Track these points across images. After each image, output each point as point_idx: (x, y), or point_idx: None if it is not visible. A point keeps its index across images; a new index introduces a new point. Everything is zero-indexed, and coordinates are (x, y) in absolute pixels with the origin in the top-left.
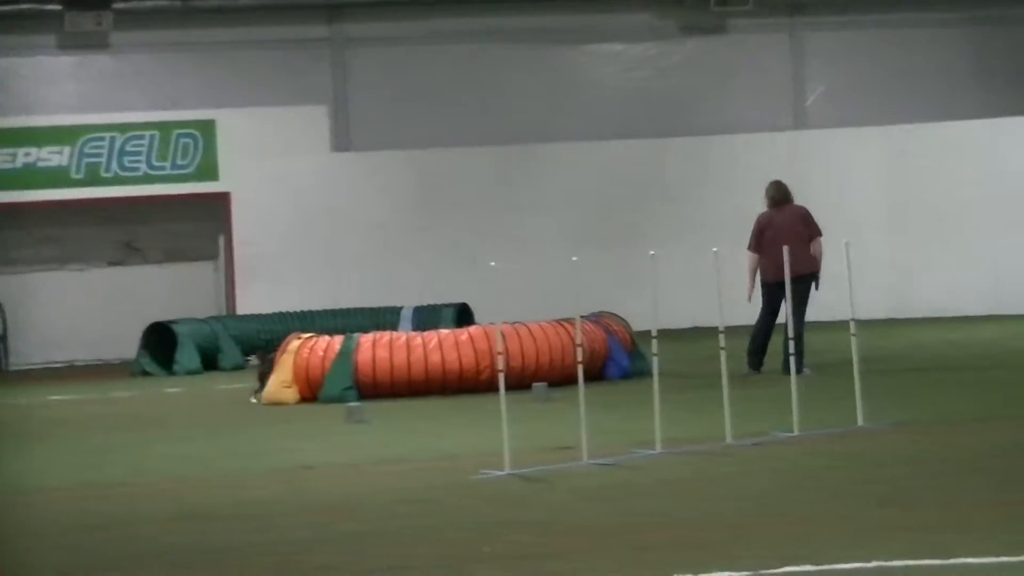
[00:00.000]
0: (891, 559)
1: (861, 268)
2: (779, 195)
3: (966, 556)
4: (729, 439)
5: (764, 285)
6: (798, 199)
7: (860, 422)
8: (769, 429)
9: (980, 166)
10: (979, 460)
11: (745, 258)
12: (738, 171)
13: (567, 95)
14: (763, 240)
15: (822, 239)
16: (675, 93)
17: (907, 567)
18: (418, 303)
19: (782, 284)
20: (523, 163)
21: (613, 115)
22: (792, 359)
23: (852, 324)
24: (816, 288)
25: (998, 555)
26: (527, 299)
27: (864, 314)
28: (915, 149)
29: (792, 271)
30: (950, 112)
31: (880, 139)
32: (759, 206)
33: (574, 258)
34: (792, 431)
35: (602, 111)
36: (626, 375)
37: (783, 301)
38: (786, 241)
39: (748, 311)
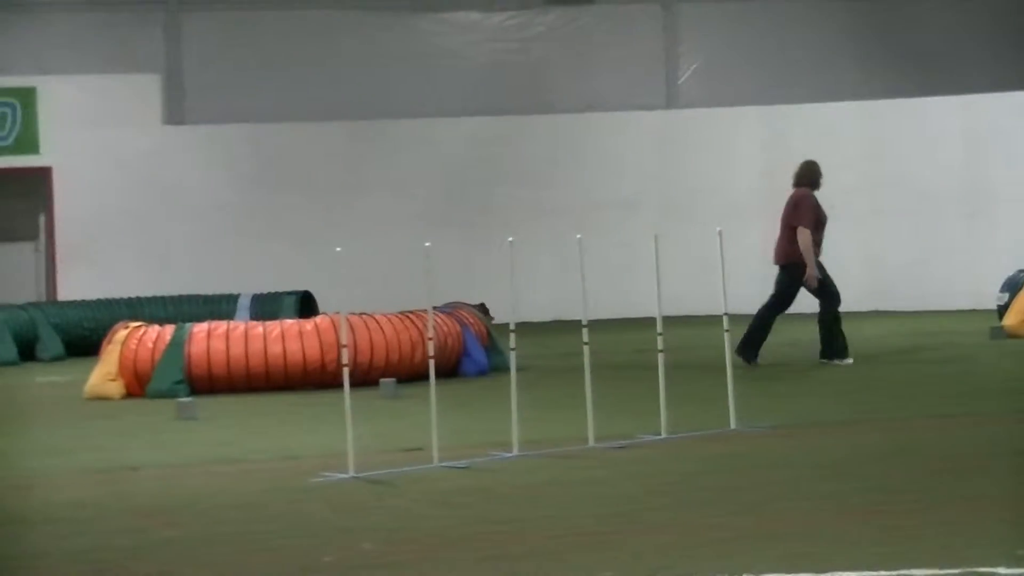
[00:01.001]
0: (762, 571)
1: (737, 258)
2: (796, 175)
3: (841, 569)
4: (592, 441)
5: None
6: (665, 181)
7: (733, 424)
8: (635, 431)
9: (860, 150)
10: (854, 465)
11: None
12: (605, 152)
13: (421, 67)
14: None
15: (801, 229)
16: (537, 67)
17: None
18: (257, 290)
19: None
20: (373, 140)
21: (470, 89)
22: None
23: (725, 319)
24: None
25: (874, 567)
26: (376, 288)
27: (740, 308)
28: (793, 131)
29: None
30: (830, 93)
31: (757, 120)
32: (627, 188)
33: (427, 243)
34: (659, 433)
35: (459, 85)
36: (482, 371)
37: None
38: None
39: (613, 303)
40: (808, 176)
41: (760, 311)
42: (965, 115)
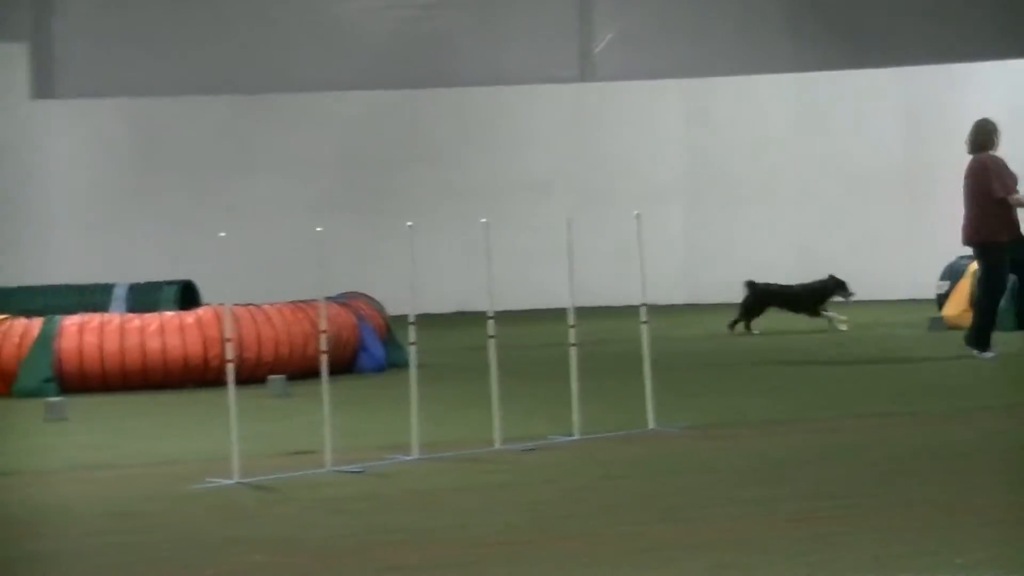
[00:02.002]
0: None
1: (658, 244)
2: (971, 140)
3: None
4: (498, 443)
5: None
6: (579, 160)
7: (651, 424)
8: (546, 432)
9: (789, 127)
10: (783, 468)
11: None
12: (514, 128)
13: (315, 36)
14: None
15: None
16: (440, 36)
17: None
18: (134, 280)
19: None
20: (262, 116)
21: (369, 61)
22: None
23: (643, 310)
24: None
25: None
26: (265, 277)
27: (661, 299)
28: (718, 106)
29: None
30: (758, 64)
31: (679, 94)
32: (539, 168)
33: (319, 228)
34: (572, 434)
35: (356, 56)
36: (380, 367)
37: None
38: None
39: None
40: (983, 137)
41: (978, 301)
42: (903, 89)
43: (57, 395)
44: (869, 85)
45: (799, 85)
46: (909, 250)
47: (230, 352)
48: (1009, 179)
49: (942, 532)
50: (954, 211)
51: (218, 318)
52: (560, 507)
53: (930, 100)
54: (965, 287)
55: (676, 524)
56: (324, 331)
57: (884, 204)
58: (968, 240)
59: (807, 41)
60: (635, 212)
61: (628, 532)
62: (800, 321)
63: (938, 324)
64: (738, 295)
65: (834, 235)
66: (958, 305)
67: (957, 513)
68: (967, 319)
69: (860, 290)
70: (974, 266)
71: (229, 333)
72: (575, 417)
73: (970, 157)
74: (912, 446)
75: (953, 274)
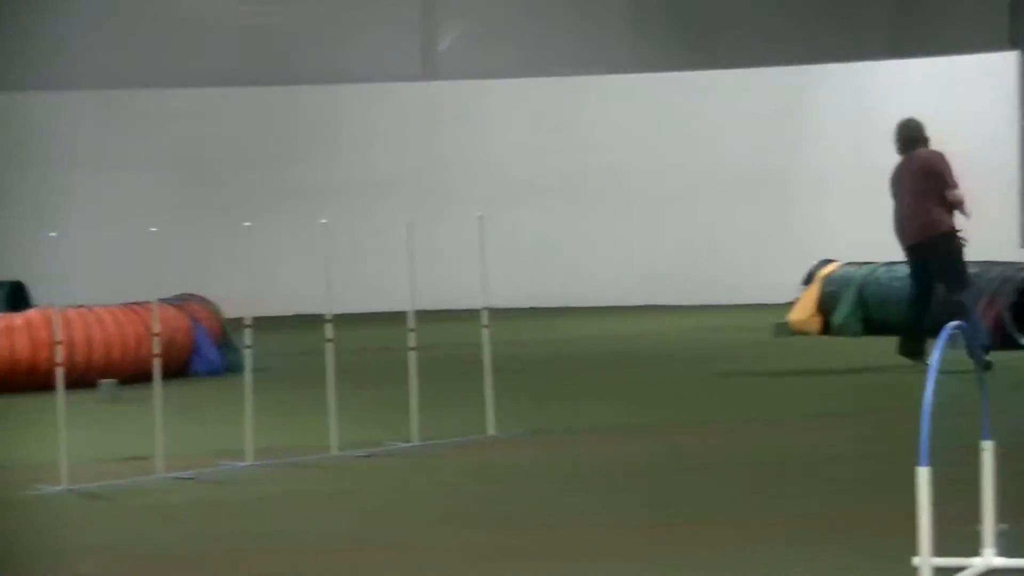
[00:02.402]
0: None
1: (501, 246)
2: (912, 135)
3: None
4: (335, 450)
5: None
6: (422, 160)
7: (491, 430)
8: (383, 438)
9: (636, 128)
10: (627, 475)
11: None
12: (357, 127)
13: (151, 32)
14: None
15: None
16: (281, 32)
17: None
18: None
19: (909, 249)
20: (95, 112)
21: (205, 57)
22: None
23: (484, 314)
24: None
25: None
26: (97, 278)
27: (502, 302)
28: (562, 105)
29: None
30: (604, 65)
31: (523, 93)
32: (380, 168)
33: (153, 228)
34: (410, 440)
35: (193, 52)
36: (215, 371)
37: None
38: (904, 196)
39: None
40: (923, 133)
41: (947, 296)
42: (753, 91)
43: None
44: (717, 86)
45: (644, 85)
46: (758, 253)
47: (60, 355)
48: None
49: (794, 541)
50: (808, 215)
51: (48, 320)
52: (392, 515)
53: (782, 103)
54: (815, 292)
55: (511, 532)
56: (157, 333)
57: (734, 207)
58: (920, 236)
59: (653, 41)
60: (478, 214)
61: (469, 541)
62: (642, 322)
63: (783, 330)
64: (578, 298)
65: (683, 239)
66: (804, 310)
67: (808, 519)
68: (814, 324)
69: (709, 294)
70: (825, 271)
71: (59, 336)
72: (414, 423)
73: (907, 154)
74: (760, 453)
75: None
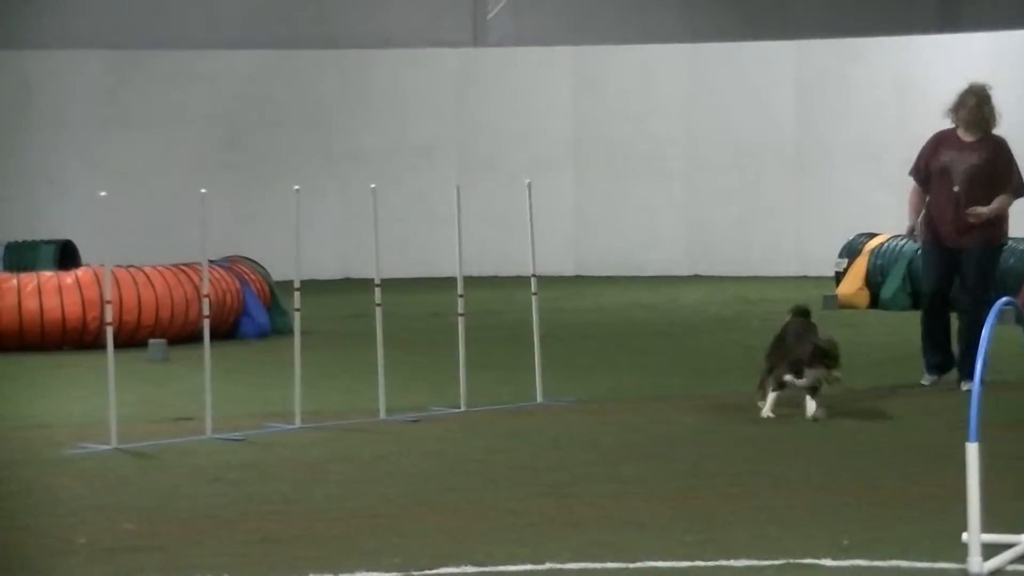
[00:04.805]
0: (566, 560)
1: (544, 213)
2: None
3: (649, 559)
4: (382, 414)
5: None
6: (467, 127)
7: (539, 398)
8: (430, 403)
9: (681, 98)
10: (664, 446)
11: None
12: (401, 93)
13: None
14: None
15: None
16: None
17: (584, 570)
18: (11, 238)
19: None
20: (135, 73)
21: (248, 18)
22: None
23: (533, 281)
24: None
25: (685, 558)
26: (145, 238)
27: (546, 269)
28: (608, 75)
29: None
30: (649, 34)
31: (570, 61)
32: (426, 134)
33: (203, 190)
34: (458, 406)
35: (234, 13)
36: (263, 333)
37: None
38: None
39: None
40: (992, 114)
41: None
42: (796, 62)
43: None
44: (761, 57)
45: (691, 55)
46: (800, 226)
47: (109, 315)
48: (931, 165)
49: (826, 513)
50: (847, 188)
51: (97, 279)
52: (443, 480)
53: (823, 73)
54: (862, 265)
55: (555, 500)
56: (207, 295)
57: (775, 178)
58: (977, 239)
59: (699, 11)
60: (526, 180)
61: (511, 507)
62: (685, 293)
63: (831, 302)
64: (625, 267)
65: (724, 209)
66: (853, 284)
67: (839, 493)
68: (862, 297)
69: (749, 265)
70: (872, 244)
71: (109, 295)
72: (461, 388)
73: (978, 135)
74: (793, 426)
75: (852, 252)
